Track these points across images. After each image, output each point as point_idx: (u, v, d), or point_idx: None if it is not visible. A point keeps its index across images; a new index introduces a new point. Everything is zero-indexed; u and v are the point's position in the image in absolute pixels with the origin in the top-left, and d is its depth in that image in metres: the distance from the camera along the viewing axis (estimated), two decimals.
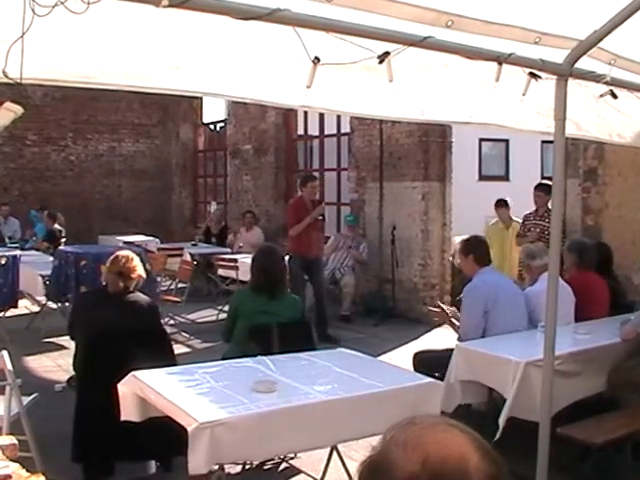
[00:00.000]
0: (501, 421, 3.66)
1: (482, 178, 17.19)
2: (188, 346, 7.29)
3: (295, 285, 7.41)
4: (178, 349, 5.77)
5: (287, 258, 7.27)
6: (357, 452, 3.74)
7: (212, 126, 14.54)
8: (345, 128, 10.17)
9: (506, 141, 17.35)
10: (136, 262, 4.18)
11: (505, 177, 17.51)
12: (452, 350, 4.14)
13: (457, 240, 4.82)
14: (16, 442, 2.35)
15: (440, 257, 8.74)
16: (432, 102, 3.45)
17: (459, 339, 4.48)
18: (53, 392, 5.36)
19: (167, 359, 3.75)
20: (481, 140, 16.85)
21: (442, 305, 4.95)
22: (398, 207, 8.96)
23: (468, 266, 4.63)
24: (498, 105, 3.55)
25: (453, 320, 4.70)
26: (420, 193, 8.68)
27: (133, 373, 3.25)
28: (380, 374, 3.48)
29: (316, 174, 9.87)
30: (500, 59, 2.74)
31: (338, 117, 10.16)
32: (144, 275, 4.31)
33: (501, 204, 8.06)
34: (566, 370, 3.88)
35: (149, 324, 4.05)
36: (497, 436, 3.58)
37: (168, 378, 3.32)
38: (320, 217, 7.81)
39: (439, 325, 7.46)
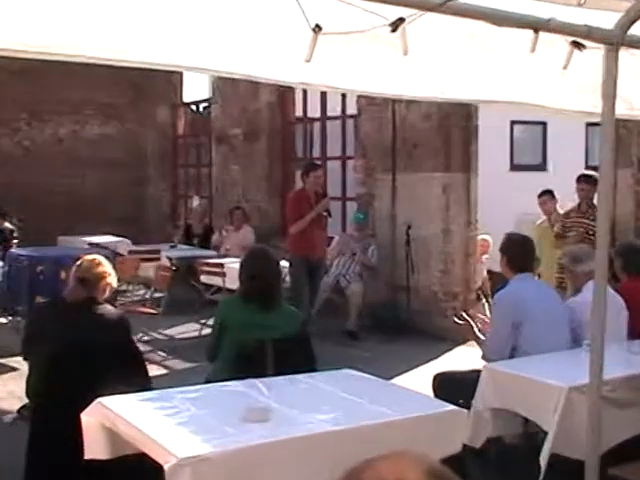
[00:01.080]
0: (542, 460, 3.61)
1: (514, 168, 17.20)
2: (165, 367, 7.30)
3: (297, 293, 7.41)
4: (153, 370, 5.78)
5: (287, 262, 7.29)
6: None
7: (194, 107, 14.57)
8: (351, 109, 10.17)
9: (543, 124, 17.34)
10: (104, 268, 4.21)
11: (542, 167, 17.50)
12: (479, 372, 4.13)
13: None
14: None
15: (464, 261, 8.73)
16: (454, 78, 3.45)
17: (482, 357, 4.48)
18: (2, 424, 5.35)
19: (140, 382, 3.75)
20: (513, 123, 16.84)
21: (467, 316, 4.91)
22: (414, 203, 8.97)
23: (502, 268, 4.64)
24: (533, 81, 3.55)
25: (479, 335, 4.68)
26: (440, 186, 8.69)
27: (99, 400, 3.24)
28: (393, 400, 3.48)
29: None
30: (537, 26, 2.74)
31: (343, 96, 10.17)
32: (114, 284, 4.32)
33: (542, 195, 8.06)
34: (618, 398, 3.85)
35: (118, 340, 4.06)
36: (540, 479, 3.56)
37: (141, 405, 3.31)
38: (325, 212, 7.83)
39: (464, 342, 7.45)
